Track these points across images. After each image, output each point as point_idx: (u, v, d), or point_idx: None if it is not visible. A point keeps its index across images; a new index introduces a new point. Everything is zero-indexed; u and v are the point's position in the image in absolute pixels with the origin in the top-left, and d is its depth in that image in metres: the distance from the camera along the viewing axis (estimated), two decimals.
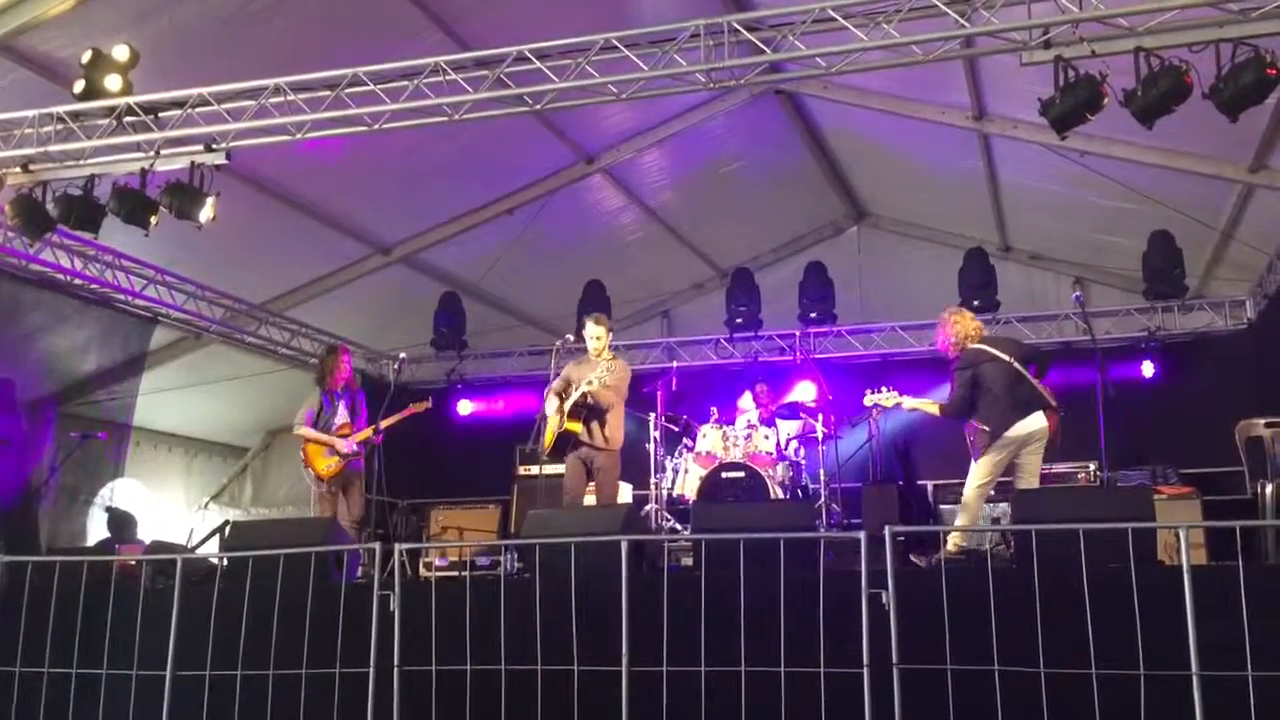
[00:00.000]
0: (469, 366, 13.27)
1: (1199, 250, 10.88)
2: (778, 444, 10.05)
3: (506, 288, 12.76)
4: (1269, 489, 7.23)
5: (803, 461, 10.22)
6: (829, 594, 4.94)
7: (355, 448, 8.35)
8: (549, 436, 7.86)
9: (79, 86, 7.38)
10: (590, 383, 7.51)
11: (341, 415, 8.44)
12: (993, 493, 9.47)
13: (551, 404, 7.84)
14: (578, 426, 7.68)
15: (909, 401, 7.57)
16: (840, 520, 9.75)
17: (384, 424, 8.42)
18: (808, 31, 6.47)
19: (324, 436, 8.37)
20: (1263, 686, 4.36)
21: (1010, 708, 4.63)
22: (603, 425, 7.72)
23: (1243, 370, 10.82)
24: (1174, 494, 9.12)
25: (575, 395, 7.61)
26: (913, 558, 6.77)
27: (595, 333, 7.88)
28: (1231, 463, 8.32)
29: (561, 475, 8.01)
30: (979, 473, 7.06)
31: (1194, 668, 4.38)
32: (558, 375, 8.03)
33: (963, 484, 7.19)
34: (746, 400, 10.69)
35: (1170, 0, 5.83)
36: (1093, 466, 9.67)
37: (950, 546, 6.87)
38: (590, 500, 7.87)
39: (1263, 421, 7.79)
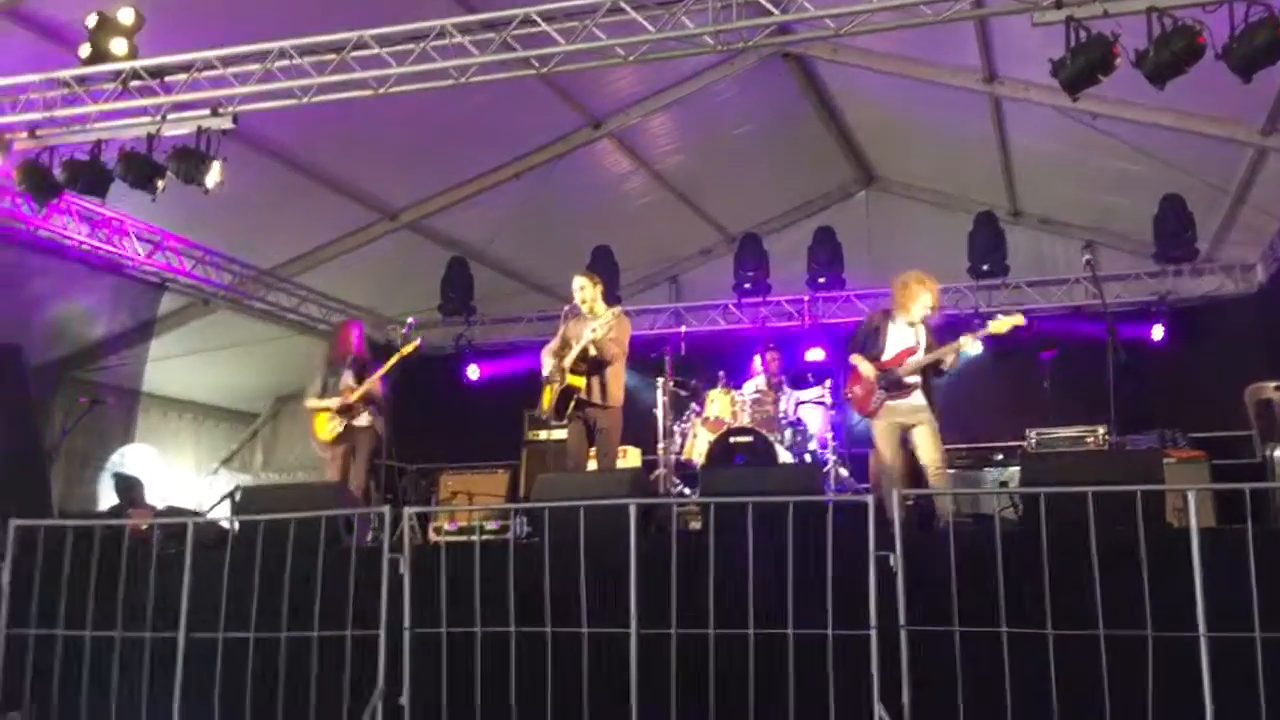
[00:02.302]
0: (477, 332, 13.27)
1: (1210, 214, 10.79)
2: (786, 409, 10.04)
3: (514, 253, 12.74)
4: (1279, 452, 7.21)
5: (811, 426, 10.20)
6: (837, 557, 4.95)
7: (351, 401, 8.32)
8: (548, 396, 7.76)
9: (85, 51, 7.36)
10: (594, 330, 7.46)
11: (347, 379, 8.46)
12: (1000, 456, 9.57)
13: (549, 364, 7.78)
14: (580, 381, 7.59)
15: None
16: (848, 484, 9.75)
17: (379, 374, 8.40)
18: None
19: (325, 402, 8.40)
20: (1271, 648, 4.37)
21: (1018, 669, 4.65)
22: (604, 381, 7.63)
23: (1253, 334, 10.77)
24: (1183, 457, 9.07)
25: (577, 349, 7.55)
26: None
27: (579, 284, 7.82)
28: (1242, 426, 8.28)
29: None
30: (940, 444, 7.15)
31: (1202, 629, 4.40)
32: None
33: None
34: (756, 365, 10.67)
35: None
36: (1102, 430, 9.61)
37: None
38: (593, 464, 7.80)
39: (1273, 385, 7.73)
